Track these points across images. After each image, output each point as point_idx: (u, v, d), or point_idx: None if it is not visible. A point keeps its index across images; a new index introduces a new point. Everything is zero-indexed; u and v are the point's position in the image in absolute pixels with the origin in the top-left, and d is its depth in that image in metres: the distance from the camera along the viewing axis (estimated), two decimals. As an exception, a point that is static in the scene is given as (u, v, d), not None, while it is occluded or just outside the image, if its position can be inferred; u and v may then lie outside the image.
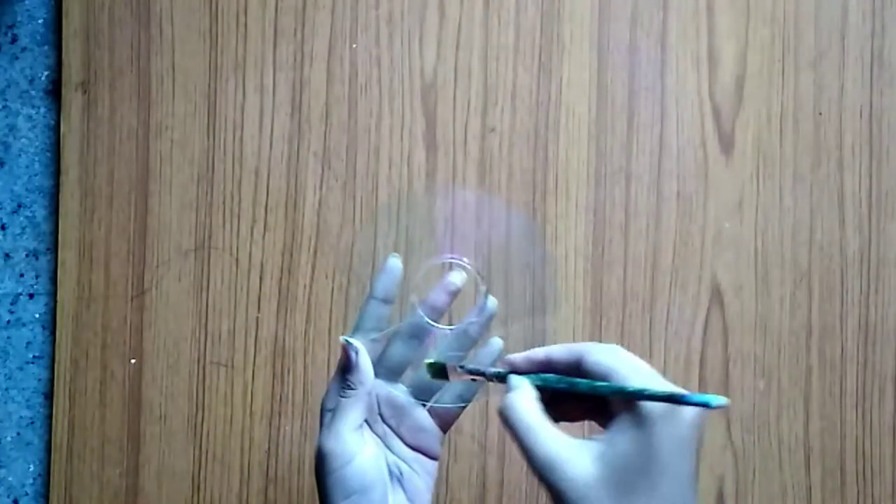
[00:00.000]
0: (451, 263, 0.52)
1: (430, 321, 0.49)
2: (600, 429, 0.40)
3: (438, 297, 0.49)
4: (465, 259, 0.52)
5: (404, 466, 0.48)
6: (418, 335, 0.49)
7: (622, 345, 0.61)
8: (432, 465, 0.49)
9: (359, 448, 0.46)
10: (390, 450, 0.49)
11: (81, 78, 0.64)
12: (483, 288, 0.51)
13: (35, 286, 0.65)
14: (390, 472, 0.48)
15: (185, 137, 0.63)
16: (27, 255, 0.65)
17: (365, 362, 0.47)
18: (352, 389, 0.47)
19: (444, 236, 0.52)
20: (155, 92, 0.63)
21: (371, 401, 0.48)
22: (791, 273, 0.62)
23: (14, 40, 0.65)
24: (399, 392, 0.49)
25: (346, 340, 0.48)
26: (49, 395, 0.64)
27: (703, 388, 0.61)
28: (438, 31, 0.63)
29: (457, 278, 0.50)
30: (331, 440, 0.46)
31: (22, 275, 0.65)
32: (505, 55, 0.63)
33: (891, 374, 0.61)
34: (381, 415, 0.49)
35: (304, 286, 0.62)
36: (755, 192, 0.62)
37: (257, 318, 0.63)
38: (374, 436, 0.49)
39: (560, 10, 0.63)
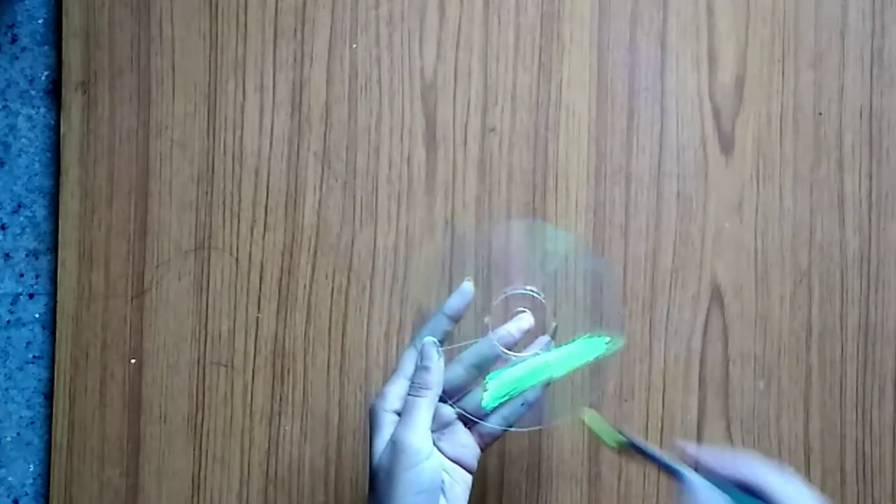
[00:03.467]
0: (525, 295, 0.54)
1: (504, 350, 0.52)
2: None
3: (510, 335, 0.52)
4: (541, 293, 0.54)
5: (445, 475, 0.49)
6: (482, 365, 0.52)
7: (622, 346, 0.62)
8: (469, 477, 0.51)
9: (432, 446, 0.48)
10: None
11: (81, 78, 0.64)
12: (554, 324, 0.54)
13: (35, 286, 0.65)
14: None
15: (185, 137, 0.63)
16: (27, 255, 0.65)
17: (441, 365, 0.49)
18: (427, 389, 0.49)
19: (519, 267, 0.54)
20: (155, 92, 0.64)
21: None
22: (791, 273, 0.62)
23: (14, 40, 0.65)
24: (447, 408, 0.51)
25: (433, 342, 0.50)
26: (49, 395, 0.64)
27: (702, 388, 0.61)
28: (438, 31, 0.63)
29: (529, 321, 0.53)
30: (415, 435, 0.47)
31: (22, 275, 0.65)
32: (505, 55, 0.63)
33: (891, 374, 0.61)
34: None
35: (304, 286, 0.62)
36: (755, 192, 0.62)
37: (257, 318, 0.63)
38: None
39: (560, 10, 0.63)
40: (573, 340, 0.52)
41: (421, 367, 0.49)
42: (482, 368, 0.52)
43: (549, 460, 0.61)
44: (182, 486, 0.62)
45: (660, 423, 0.61)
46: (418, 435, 0.47)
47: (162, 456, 0.62)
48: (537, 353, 0.52)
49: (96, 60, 0.64)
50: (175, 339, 0.63)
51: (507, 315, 0.55)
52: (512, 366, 0.52)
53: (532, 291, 0.56)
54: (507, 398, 0.51)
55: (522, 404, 0.51)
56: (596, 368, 0.51)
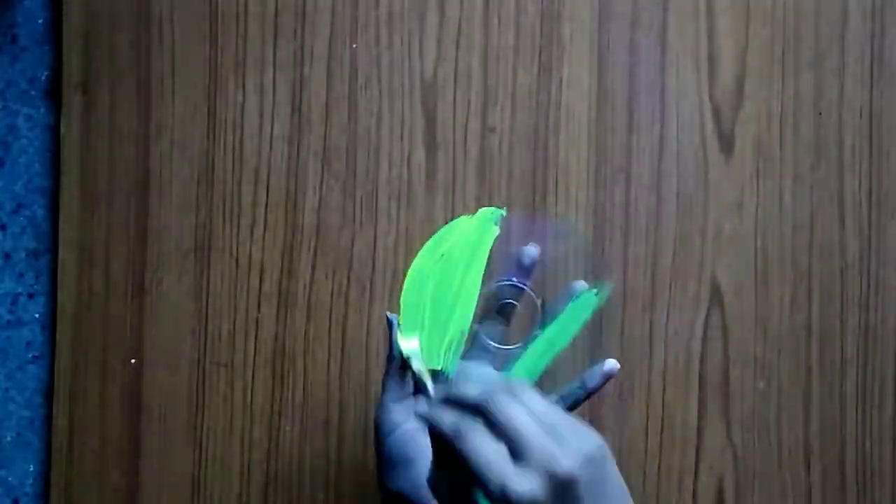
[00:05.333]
0: (510, 286, 0.53)
1: (492, 343, 0.52)
2: None
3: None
4: (526, 282, 0.54)
5: None
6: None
7: (622, 347, 0.62)
8: None
9: (401, 420, 0.48)
10: None
11: (81, 78, 0.64)
12: (539, 300, 0.54)
13: (35, 286, 0.65)
14: None
15: (185, 137, 0.63)
16: (27, 255, 0.65)
17: (395, 340, 0.49)
18: (389, 363, 0.49)
19: (504, 260, 0.53)
20: (155, 92, 0.63)
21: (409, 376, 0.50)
22: (791, 273, 0.62)
23: (14, 40, 0.65)
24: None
25: (387, 315, 0.50)
26: (49, 395, 0.64)
27: (702, 388, 0.61)
28: (438, 31, 0.63)
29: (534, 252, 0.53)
30: (378, 409, 0.48)
31: (22, 275, 0.65)
32: (505, 55, 0.63)
33: (891, 374, 0.61)
34: None
35: (304, 286, 0.62)
36: (755, 192, 0.62)
37: (257, 318, 0.63)
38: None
39: (560, 10, 0.63)
40: (564, 309, 0.51)
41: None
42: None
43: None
44: (182, 487, 0.62)
45: (660, 424, 0.61)
46: (382, 408, 0.48)
47: (162, 456, 0.62)
48: (537, 334, 0.51)
49: (96, 60, 0.64)
50: (175, 339, 0.63)
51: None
52: (517, 358, 0.51)
53: (514, 282, 0.54)
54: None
55: (580, 387, 0.51)
56: (595, 326, 0.50)
